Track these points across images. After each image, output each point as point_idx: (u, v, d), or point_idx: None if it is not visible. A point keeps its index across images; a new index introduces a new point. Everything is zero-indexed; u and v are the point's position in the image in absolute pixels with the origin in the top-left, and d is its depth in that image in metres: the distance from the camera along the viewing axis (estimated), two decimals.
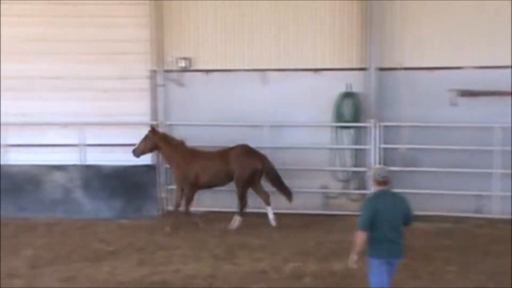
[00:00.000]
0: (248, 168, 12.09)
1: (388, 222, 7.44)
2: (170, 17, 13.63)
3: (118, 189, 13.35)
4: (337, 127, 13.37)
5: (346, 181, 13.56)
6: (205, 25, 13.61)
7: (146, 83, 13.87)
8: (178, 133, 13.28)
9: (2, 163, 13.47)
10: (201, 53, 13.69)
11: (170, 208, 13.21)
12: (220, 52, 13.58)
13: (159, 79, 13.78)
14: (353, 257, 7.52)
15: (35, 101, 13.77)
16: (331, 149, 13.44)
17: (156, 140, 12.30)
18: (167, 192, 13.64)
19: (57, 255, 10.81)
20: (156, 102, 13.83)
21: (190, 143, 12.62)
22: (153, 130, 12.36)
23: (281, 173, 12.44)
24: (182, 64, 13.71)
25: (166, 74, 13.78)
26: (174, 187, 12.98)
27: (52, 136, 13.78)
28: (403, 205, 7.60)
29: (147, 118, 13.87)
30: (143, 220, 13.01)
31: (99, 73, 13.72)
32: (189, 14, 13.60)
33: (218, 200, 13.22)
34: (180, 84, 13.83)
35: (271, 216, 12.25)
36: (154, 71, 13.81)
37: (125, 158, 13.45)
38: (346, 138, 13.39)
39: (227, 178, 12.21)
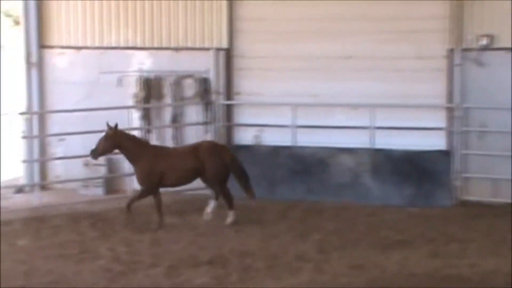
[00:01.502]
0: (221, 164, 11.87)
1: None
2: None
3: (408, 175, 13.22)
4: None
5: None
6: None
7: (442, 63, 13.54)
8: (476, 118, 12.91)
9: (292, 144, 13.85)
10: (505, 30, 13.08)
11: (466, 197, 12.83)
12: None
13: (457, 59, 13.38)
14: None
15: (325, 82, 13.97)
16: None
17: (117, 139, 11.70)
18: (462, 180, 13.25)
19: (345, 240, 10.92)
20: (452, 84, 13.46)
21: (490, 128, 12.09)
22: (113, 128, 11.71)
23: None
24: (483, 42, 13.20)
25: (464, 53, 13.35)
26: (470, 175, 12.58)
27: (341, 118, 13.92)
28: None
29: (441, 101, 13.56)
30: (435, 209, 12.77)
31: (393, 53, 13.61)
32: None
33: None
34: (480, 63, 13.33)
35: (230, 219, 11.97)
36: (451, 50, 13.43)
37: (416, 143, 13.27)
38: None
39: (195, 176, 12.02)
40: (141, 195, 11.77)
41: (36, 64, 14.65)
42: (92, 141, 12.77)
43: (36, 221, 11.46)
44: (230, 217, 11.91)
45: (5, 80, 15.90)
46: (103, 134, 11.64)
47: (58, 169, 14.69)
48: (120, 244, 10.74)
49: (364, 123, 13.66)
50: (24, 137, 14.15)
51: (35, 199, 13.26)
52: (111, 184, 14.37)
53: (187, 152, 11.91)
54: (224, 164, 11.89)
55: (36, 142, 14.40)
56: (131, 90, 14.32)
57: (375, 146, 13.58)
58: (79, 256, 10.24)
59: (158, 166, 11.69)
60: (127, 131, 12.09)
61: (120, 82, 14.35)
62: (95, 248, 10.56)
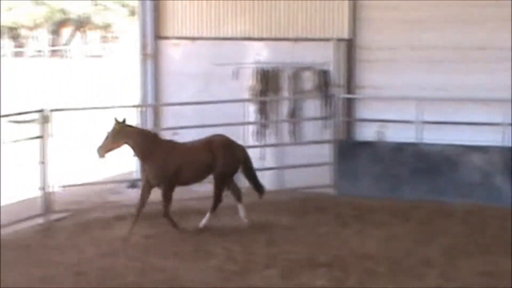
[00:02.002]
0: (233, 160, 11.42)
1: None
2: None
3: None
4: None
5: None
6: None
7: None
8: None
9: (417, 141, 13.43)
10: None
11: None
12: None
13: None
14: None
15: (454, 74, 13.49)
16: None
17: (125, 134, 11.12)
18: None
19: (474, 245, 10.49)
20: None
21: None
22: (121, 123, 11.15)
23: None
24: None
25: None
26: None
27: (470, 113, 13.40)
28: None
29: None
30: None
31: None
32: None
33: None
34: None
35: (242, 214, 11.46)
36: None
37: None
38: None
39: (208, 172, 11.45)
40: (166, 197, 11.25)
41: (152, 56, 14.73)
42: (207, 135, 12.71)
43: (147, 217, 11.47)
44: (241, 211, 11.59)
45: (120, 72, 16.07)
46: (111, 129, 11.12)
47: None
48: (234, 243, 10.61)
49: (497, 119, 13.11)
50: None
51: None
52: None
53: (200, 147, 11.46)
54: (236, 160, 11.54)
55: None
56: (247, 82, 14.21)
57: (509, 144, 13.00)
58: (193, 254, 10.18)
59: (172, 162, 11.22)
60: (134, 125, 11.72)
61: (235, 74, 14.25)
62: (209, 247, 10.47)
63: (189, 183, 11.57)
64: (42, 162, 11.62)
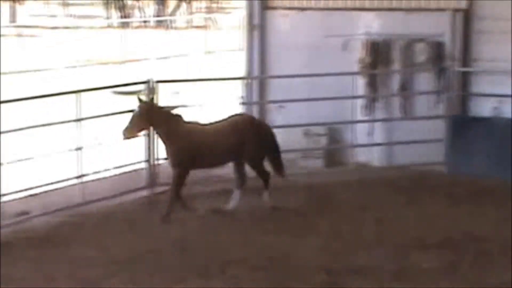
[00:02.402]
0: (262, 142, 11.00)
1: None
2: None
3: None
4: None
5: None
6: None
7: None
8: None
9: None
10: None
11: None
12: None
13: None
14: None
15: None
16: None
17: (151, 116, 10.61)
18: None
19: None
20: None
21: None
22: (148, 103, 10.70)
23: None
24: None
25: None
26: None
27: None
28: None
29: None
30: None
31: None
32: None
33: None
34: None
35: (233, 202, 11.07)
36: None
37: None
38: None
39: (233, 156, 10.95)
40: (178, 180, 10.79)
41: (258, 27, 14.66)
42: (314, 109, 12.63)
43: (247, 191, 11.47)
44: (266, 197, 11.14)
45: (226, 44, 16.11)
46: (136, 110, 10.67)
47: (277, 138, 14.63)
48: (341, 221, 10.51)
49: None
50: (243, 103, 14.25)
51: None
52: (332, 155, 14.14)
53: (225, 129, 10.91)
54: (265, 141, 11.13)
55: (255, 109, 14.45)
56: (357, 55, 14.00)
57: None
58: (298, 231, 10.13)
59: (191, 146, 10.70)
60: (164, 106, 11.09)
61: (345, 46, 14.04)
62: (315, 224, 10.39)
63: (211, 166, 11.28)
64: (148, 135, 11.75)
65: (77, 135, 11.13)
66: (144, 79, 11.91)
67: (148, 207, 11.34)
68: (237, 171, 11.13)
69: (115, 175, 12.42)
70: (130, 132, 10.61)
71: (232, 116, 11.18)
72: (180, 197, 10.83)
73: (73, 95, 11.35)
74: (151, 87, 11.78)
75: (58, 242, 9.76)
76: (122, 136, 10.57)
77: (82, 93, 11.30)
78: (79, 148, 11.17)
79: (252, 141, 10.88)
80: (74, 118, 11.18)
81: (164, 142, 10.86)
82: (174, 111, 11.01)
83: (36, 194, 11.27)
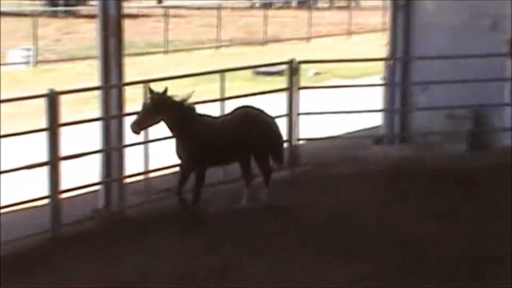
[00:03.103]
0: (272, 139, 10.44)
1: None
2: None
3: None
4: None
5: None
6: None
7: None
8: None
9: None
10: None
11: None
12: None
13: None
14: None
15: None
16: None
17: (163, 107, 9.69)
18: None
19: None
20: None
21: None
22: (160, 94, 9.74)
23: None
24: None
25: None
26: None
27: None
28: None
29: None
30: None
31: None
32: None
33: None
34: None
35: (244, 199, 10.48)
36: None
37: None
38: None
39: (242, 153, 10.32)
40: (185, 177, 10.09)
41: (403, 7, 14.34)
42: (458, 91, 12.26)
43: (394, 174, 11.29)
44: (265, 194, 10.56)
45: (368, 24, 15.87)
46: (147, 101, 9.81)
47: (419, 120, 14.34)
48: (486, 207, 10.18)
49: None
50: (385, 84, 14.02)
51: (394, 151, 13.11)
52: (477, 139, 13.72)
53: (232, 124, 10.23)
54: (275, 137, 10.56)
55: (397, 91, 14.18)
56: (506, 35, 13.48)
57: None
58: (442, 215, 9.87)
59: (202, 142, 9.98)
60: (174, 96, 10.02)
61: (494, 26, 13.56)
62: (460, 209, 10.11)
63: (219, 164, 10.61)
64: (288, 114, 11.72)
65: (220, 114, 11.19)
66: (287, 60, 11.88)
67: (287, 186, 11.30)
68: (244, 166, 10.51)
69: None
70: (140, 125, 9.71)
71: (238, 108, 10.50)
72: (199, 195, 10.24)
73: (217, 74, 11.45)
74: (293, 67, 11.73)
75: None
76: (131, 130, 9.72)
77: (226, 73, 11.38)
78: None
79: (260, 135, 10.29)
80: (218, 97, 11.29)
81: (177, 137, 10.02)
82: (187, 103, 10.02)
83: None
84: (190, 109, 10.00)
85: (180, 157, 10.09)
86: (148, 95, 9.81)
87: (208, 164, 10.24)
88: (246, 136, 10.19)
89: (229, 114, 10.54)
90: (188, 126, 9.91)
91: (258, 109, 10.55)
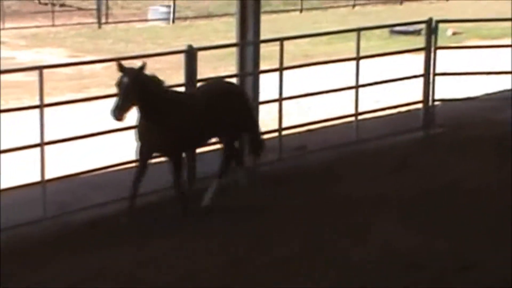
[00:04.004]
0: (240, 113, 9.05)
1: None
2: None
3: None
4: None
5: None
6: None
7: None
8: None
9: None
10: None
11: None
12: None
13: None
14: None
15: None
16: None
17: (138, 89, 8.05)
18: None
19: None
20: None
21: None
22: (134, 71, 8.10)
23: None
24: None
25: None
26: None
27: None
28: None
29: None
30: None
31: None
32: None
33: None
34: None
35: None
36: None
37: None
38: None
39: (214, 133, 9.05)
40: (176, 171, 8.62)
41: None
42: None
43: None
44: (244, 178, 9.39)
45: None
46: (123, 81, 8.10)
47: None
48: None
49: None
50: None
51: None
52: None
53: (203, 99, 8.78)
54: (248, 112, 9.28)
55: None
56: None
57: None
58: None
59: (182, 124, 8.54)
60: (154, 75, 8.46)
61: None
62: None
63: (195, 147, 9.31)
64: (425, 75, 11.49)
65: (355, 73, 11.09)
66: (425, 19, 11.62)
67: (422, 148, 11.12)
68: (227, 145, 9.26)
69: (391, 115, 12.30)
70: (121, 110, 8.02)
71: (208, 83, 9.47)
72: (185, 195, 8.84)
73: (353, 33, 11.33)
74: (432, 26, 11.46)
75: (328, 178, 9.82)
76: (113, 118, 8.07)
77: (362, 32, 11.24)
78: (356, 87, 11.15)
79: (231, 113, 8.90)
80: (354, 56, 11.18)
81: (154, 123, 8.43)
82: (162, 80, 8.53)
83: (314, 130, 11.43)
84: (167, 88, 8.68)
85: (166, 148, 8.60)
86: (121, 74, 8.18)
87: (191, 147, 9.18)
88: (215, 114, 8.74)
89: (198, 89, 9.27)
90: (170, 108, 8.45)
91: (228, 82, 9.69)
